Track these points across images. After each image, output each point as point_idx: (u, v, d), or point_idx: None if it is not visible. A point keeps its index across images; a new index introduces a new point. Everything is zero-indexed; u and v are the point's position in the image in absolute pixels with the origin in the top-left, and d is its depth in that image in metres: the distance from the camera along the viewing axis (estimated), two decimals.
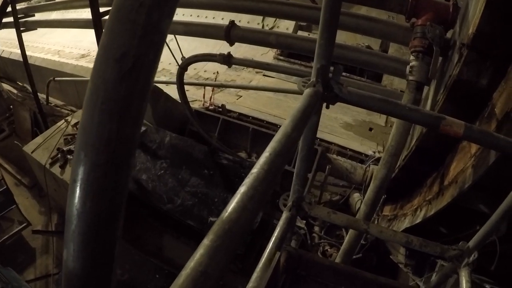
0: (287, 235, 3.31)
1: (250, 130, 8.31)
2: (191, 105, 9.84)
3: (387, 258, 7.01)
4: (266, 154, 1.52)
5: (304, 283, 3.50)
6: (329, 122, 9.68)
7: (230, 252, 1.22)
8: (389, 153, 4.17)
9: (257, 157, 7.04)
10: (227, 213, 1.28)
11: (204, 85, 9.83)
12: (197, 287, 1.08)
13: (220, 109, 9.20)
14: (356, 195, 7.71)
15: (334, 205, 7.83)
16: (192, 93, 11.15)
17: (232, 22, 6.36)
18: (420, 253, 6.60)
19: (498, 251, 3.60)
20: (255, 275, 2.43)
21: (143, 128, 7.80)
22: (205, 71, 12.40)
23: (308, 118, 2.00)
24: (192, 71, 12.59)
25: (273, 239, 2.84)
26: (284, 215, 2.97)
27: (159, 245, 7.03)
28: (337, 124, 9.77)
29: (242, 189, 1.37)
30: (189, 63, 7.13)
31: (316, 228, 7.27)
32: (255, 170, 1.46)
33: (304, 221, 6.81)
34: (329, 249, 7.10)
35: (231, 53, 6.68)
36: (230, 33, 6.30)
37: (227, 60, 6.46)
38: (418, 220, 4.97)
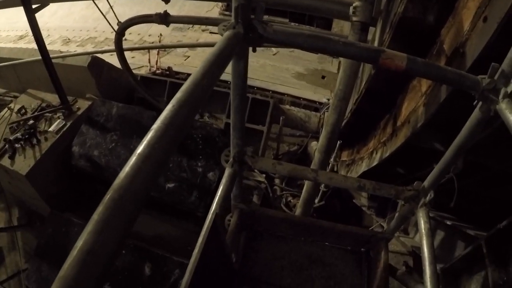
0: (238, 191, 3.09)
1: None
2: (138, 71, 9.41)
3: (350, 203, 6.99)
4: (169, 107, 1.25)
5: (262, 239, 3.33)
6: (281, 74, 9.44)
7: (122, 224, 0.97)
8: (338, 98, 3.96)
9: (210, 117, 6.82)
10: (117, 180, 1.02)
11: (146, 48, 9.33)
12: (84, 269, 0.87)
13: (168, 72, 8.77)
14: (313, 144, 7.58)
15: (292, 155, 7.70)
16: (138, 59, 10.68)
17: None
18: (382, 196, 6.66)
19: (457, 188, 3.56)
20: (200, 238, 2.19)
21: (87, 103, 7.37)
22: (149, 35, 11.87)
23: (225, 62, 1.71)
24: (136, 37, 12.05)
25: (216, 198, 2.62)
26: (227, 172, 2.73)
27: None
28: (289, 74, 9.53)
29: (138, 149, 1.11)
30: (125, 27, 6.63)
31: (277, 181, 7.14)
32: (154, 125, 1.19)
33: (264, 175, 6.66)
34: (292, 200, 7.01)
35: (167, 11, 6.23)
36: None
37: (164, 19, 6.01)
38: (375, 163, 4.86)
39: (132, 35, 12.00)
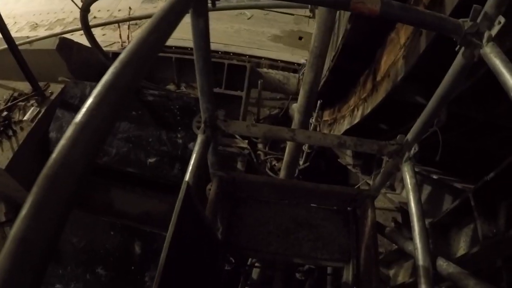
0: (214, 158, 2.95)
1: (173, 61, 7.71)
2: (109, 48, 9.09)
3: (335, 162, 6.90)
4: (111, 68, 1.08)
5: (246, 205, 3.23)
6: (257, 37, 9.19)
7: (60, 206, 0.83)
8: (314, 55, 3.78)
9: (186, 87, 6.62)
10: (53, 155, 0.87)
11: (113, 22, 8.97)
12: (18, 261, 0.74)
13: None
14: (294, 105, 7.41)
15: (274, 119, 7.56)
16: (109, 36, 10.30)
17: None
18: (366, 153, 6.58)
19: (441, 142, 3.47)
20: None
21: (60, 86, 7.13)
22: (119, 10, 11.44)
23: (177, 18, 1.44)
24: (105, 14, 11.62)
25: (189, 167, 2.48)
26: (199, 139, 2.58)
27: (107, 201, 6.64)
28: (265, 38, 9.28)
29: (75, 118, 0.95)
30: (90, 3, 6.33)
31: (260, 146, 7.02)
32: (94, 90, 1.03)
33: (246, 141, 6.54)
34: (276, 164, 6.92)
35: None
36: None
37: None
38: (357, 120, 4.75)
39: (102, 12, 11.58)
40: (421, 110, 2.49)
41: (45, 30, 12.28)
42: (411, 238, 2.43)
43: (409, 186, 2.49)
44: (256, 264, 4.71)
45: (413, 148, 2.57)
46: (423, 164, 4.98)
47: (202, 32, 2.04)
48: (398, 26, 3.63)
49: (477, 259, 3.03)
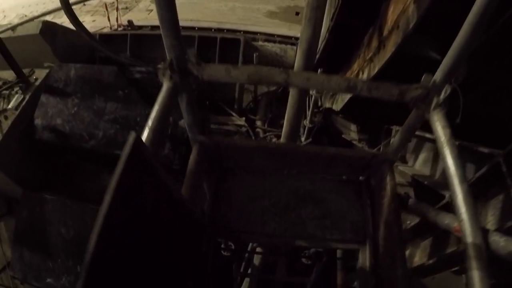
0: (192, 118, 2.28)
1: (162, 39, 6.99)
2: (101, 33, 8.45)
3: (339, 139, 6.25)
4: None
5: (234, 178, 2.58)
6: (252, 14, 8.52)
7: None
8: (311, 7, 3.09)
9: None
10: None
11: None
12: None
13: (129, 27, 7.80)
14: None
15: (273, 95, 6.87)
16: (99, 22, 9.68)
17: None
18: (372, 125, 5.91)
19: (462, 99, 2.89)
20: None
21: (45, 71, 6.54)
22: None
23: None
24: (94, 0, 10.93)
25: (149, 121, 1.83)
26: (165, 86, 1.92)
27: (98, 187, 6.09)
28: (260, 14, 8.60)
29: None
30: None
31: (259, 123, 6.37)
32: None
33: (244, 118, 5.90)
34: (276, 141, 6.26)
35: None
36: None
37: None
38: None
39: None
40: (436, 67, 1.87)
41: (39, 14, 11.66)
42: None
43: (443, 138, 1.81)
44: (257, 250, 4.04)
45: (443, 91, 1.88)
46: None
47: None
48: None
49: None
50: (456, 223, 1.71)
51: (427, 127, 4.37)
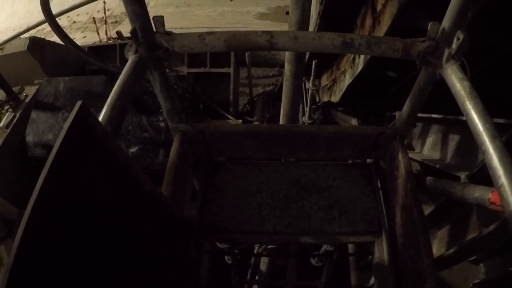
0: (169, 103, 1.95)
1: None
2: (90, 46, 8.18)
3: None
4: None
5: (226, 172, 2.24)
6: (242, 17, 8.22)
7: None
8: None
9: (170, 72, 5.61)
10: None
11: (81, 5, 7.89)
12: None
13: (118, 39, 7.51)
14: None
15: (268, 95, 6.53)
16: (89, 37, 9.44)
17: None
18: (375, 114, 5.57)
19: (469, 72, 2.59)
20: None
21: (35, 88, 6.33)
22: (98, 12, 10.46)
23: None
24: (85, 17, 10.76)
25: (109, 99, 1.51)
26: (130, 60, 1.59)
27: None
28: (251, 17, 8.31)
29: None
30: None
31: (256, 123, 5.99)
32: None
33: (240, 120, 5.57)
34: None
35: None
36: None
37: None
38: (359, 69, 3.76)
39: (81, 16, 10.72)
40: None
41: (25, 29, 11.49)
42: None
43: (463, 92, 1.44)
44: (264, 253, 3.67)
45: (455, 39, 1.53)
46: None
47: None
48: None
49: None
50: (490, 193, 1.34)
51: (433, 107, 4.02)
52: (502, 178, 1.25)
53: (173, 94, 1.91)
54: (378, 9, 3.28)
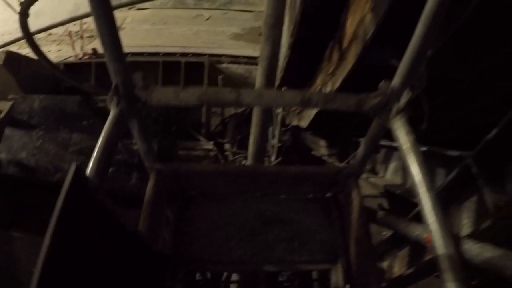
0: (146, 146, 2.15)
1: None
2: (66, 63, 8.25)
3: (310, 155, 6.16)
4: None
5: (197, 206, 2.44)
6: (216, 37, 8.44)
7: None
8: (268, 26, 3.02)
9: None
10: None
11: (59, 25, 7.99)
12: None
13: (94, 55, 7.63)
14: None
15: (240, 116, 6.76)
16: (65, 51, 9.45)
17: None
18: (341, 140, 5.85)
19: (427, 105, 2.80)
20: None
21: (10, 103, 6.29)
22: (74, 25, 10.49)
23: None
24: (60, 30, 10.67)
25: (95, 152, 1.69)
26: (112, 113, 1.78)
27: None
28: (225, 37, 8.54)
29: None
30: (27, 6, 5.44)
31: (227, 146, 6.23)
32: None
33: (212, 142, 5.75)
34: (246, 163, 6.12)
35: None
36: None
37: None
38: None
39: (57, 28, 10.63)
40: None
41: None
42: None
43: (407, 145, 1.70)
44: (233, 279, 3.85)
45: (403, 97, 1.79)
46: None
47: None
48: None
49: (489, 234, 2.34)
50: (426, 233, 1.60)
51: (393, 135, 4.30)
52: (433, 225, 1.51)
53: (149, 137, 2.10)
54: (344, 46, 3.53)
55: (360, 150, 2.20)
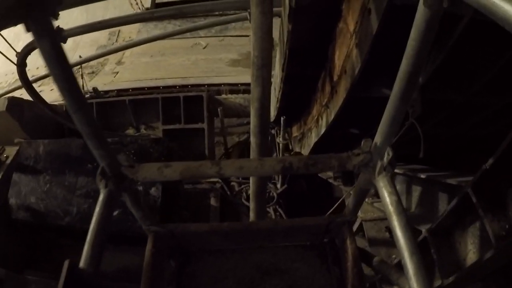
0: (141, 212, 2.23)
1: (127, 103, 7.02)
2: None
3: (317, 178, 6.22)
4: None
5: (197, 261, 2.50)
6: (215, 65, 8.58)
7: None
8: (256, 67, 3.07)
9: (146, 128, 5.91)
10: None
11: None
12: None
13: (94, 94, 7.79)
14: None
15: (243, 145, 6.84)
16: None
17: None
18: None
19: (422, 134, 2.81)
20: None
21: (16, 148, 6.52)
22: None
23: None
24: None
25: (88, 236, 1.76)
26: (102, 194, 1.86)
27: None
28: (223, 64, 8.68)
29: None
30: (25, 56, 5.63)
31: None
32: None
33: None
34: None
35: None
36: None
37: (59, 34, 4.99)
38: (323, 130, 4.06)
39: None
40: None
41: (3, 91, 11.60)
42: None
43: (390, 207, 1.73)
44: None
45: (386, 154, 1.83)
46: (405, 162, 4.31)
47: (52, 58, 1.33)
48: (344, 12, 3.04)
49: (493, 262, 2.44)
50: None
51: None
52: None
53: (142, 204, 2.19)
54: (334, 79, 3.57)
55: (351, 200, 2.25)
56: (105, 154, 1.75)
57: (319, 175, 6.14)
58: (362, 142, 1.92)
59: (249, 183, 6.16)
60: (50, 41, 1.29)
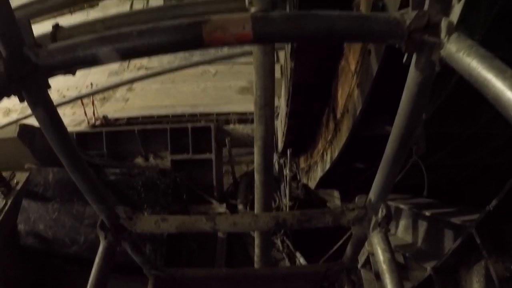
0: (141, 258, 2.28)
1: (136, 133, 7.11)
2: (78, 127, 8.58)
3: (325, 208, 6.20)
4: None
5: None
6: (224, 92, 8.70)
7: None
8: (259, 106, 3.13)
9: (155, 158, 5.99)
10: None
11: (66, 102, 8.37)
12: None
13: (105, 122, 7.94)
14: (274, 156, 6.76)
15: (252, 175, 6.85)
16: (79, 114, 9.79)
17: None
18: (354, 191, 5.88)
19: (426, 175, 2.78)
20: None
21: (26, 174, 6.56)
22: (87, 87, 10.92)
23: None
24: (74, 91, 11.08)
25: (90, 279, 1.83)
26: (101, 246, 1.92)
27: None
28: (232, 91, 8.80)
29: None
30: None
31: (240, 206, 6.36)
32: None
33: (224, 204, 5.86)
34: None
35: None
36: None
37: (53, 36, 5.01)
38: (327, 166, 4.10)
39: (70, 91, 10.96)
40: None
41: (18, 114, 11.79)
42: None
43: (383, 265, 1.75)
44: None
45: (380, 211, 1.85)
46: (411, 194, 4.30)
47: (47, 124, 1.41)
48: (346, 50, 3.11)
49: None
50: None
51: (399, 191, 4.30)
52: None
53: (142, 250, 2.24)
54: (337, 116, 3.61)
55: (349, 248, 2.27)
56: (104, 208, 1.81)
57: (328, 204, 6.13)
58: (356, 198, 1.95)
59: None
60: (44, 109, 1.36)
